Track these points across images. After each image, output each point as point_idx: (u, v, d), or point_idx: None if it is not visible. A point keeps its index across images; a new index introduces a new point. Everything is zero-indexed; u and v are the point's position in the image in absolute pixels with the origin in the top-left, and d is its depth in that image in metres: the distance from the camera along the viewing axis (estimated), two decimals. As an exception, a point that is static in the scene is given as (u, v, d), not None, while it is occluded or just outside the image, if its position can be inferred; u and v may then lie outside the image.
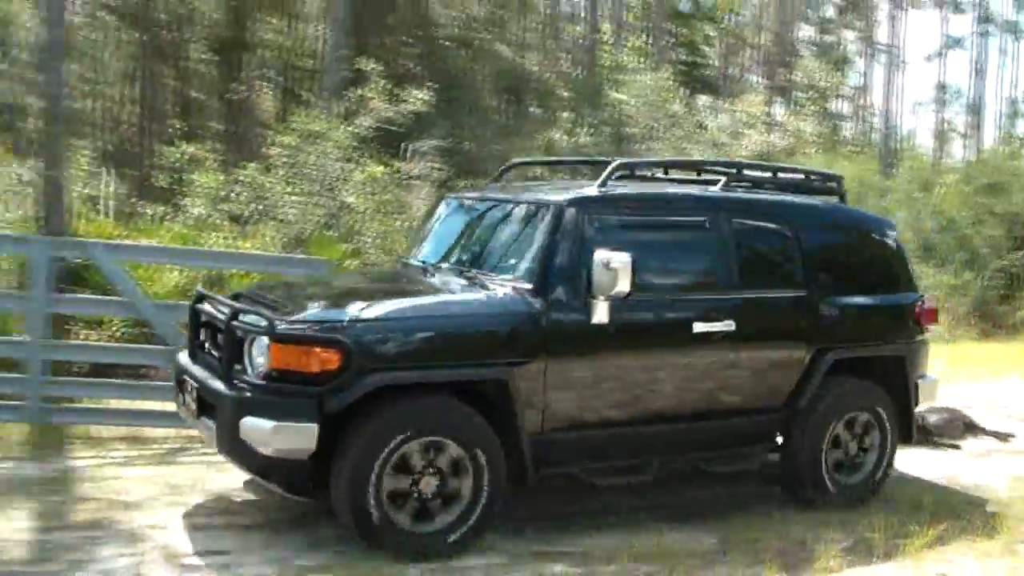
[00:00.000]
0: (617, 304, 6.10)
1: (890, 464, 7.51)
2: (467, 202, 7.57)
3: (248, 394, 5.67)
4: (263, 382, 5.64)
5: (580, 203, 6.41)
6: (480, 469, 5.86)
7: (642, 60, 22.66)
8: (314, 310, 6.14)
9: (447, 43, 23.71)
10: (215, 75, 25.64)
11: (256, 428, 5.51)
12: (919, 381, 7.73)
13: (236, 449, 5.72)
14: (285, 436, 5.50)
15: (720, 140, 19.56)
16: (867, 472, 7.41)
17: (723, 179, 7.37)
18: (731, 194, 7.28)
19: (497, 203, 7.12)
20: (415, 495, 5.75)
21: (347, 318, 5.73)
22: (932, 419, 9.68)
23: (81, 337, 11.46)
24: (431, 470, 5.78)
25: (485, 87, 22.91)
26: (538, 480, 6.19)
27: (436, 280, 6.79)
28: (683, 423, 6.73)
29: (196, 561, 5.71)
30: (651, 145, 17.81)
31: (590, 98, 21.84)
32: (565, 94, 24.57)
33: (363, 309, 5.85)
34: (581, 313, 6.11)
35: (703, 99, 23.05)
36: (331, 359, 5.53)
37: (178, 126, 22.80)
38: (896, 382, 7.59)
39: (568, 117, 19.37)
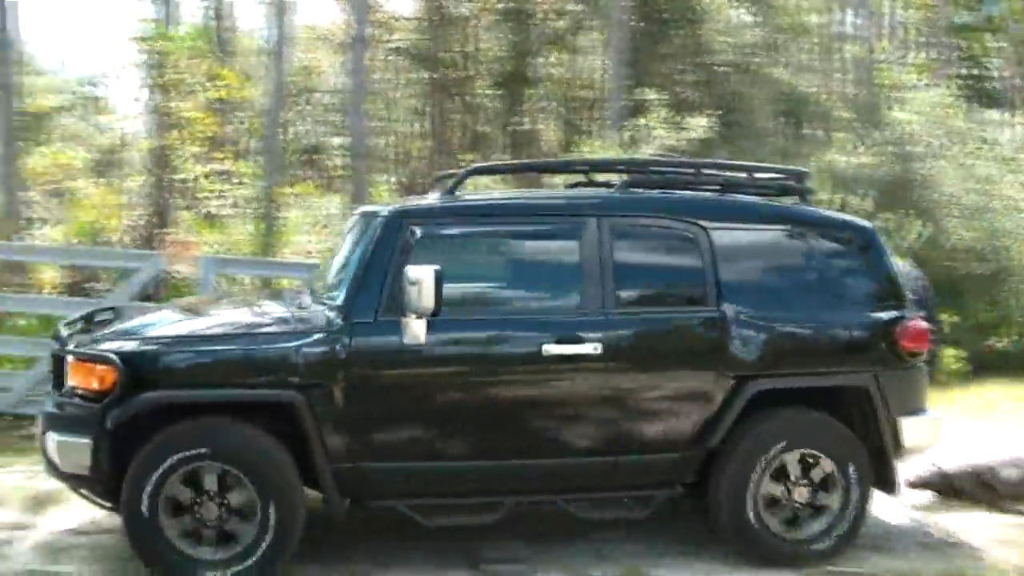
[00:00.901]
0: (440, 323, 5.55)
1: (859, 517, 6.21)
2: (357, 216, 7.02)
3: (52, 410, 5.85)
4: (64, 399, 5.76)
5: (403, 214, 5.99)
6: (265, 499, 5.55)
7: (922, 76, 21.88)
8: (116, 328, 6.08)
9: (724, 69, 23.73)
10: (500, 108, 26.60)
11: (48, 442, 5.69)
12: (902, 419, 6.29)
13: (48, 463, 5.86)
14: (64, 450, 5.58)
15: (1009, 155, 18.62)
16: (823, 525, 6.19)
17: (623, 180, 6.58)
18: (612, 195, 6.47)
19: (367, 216, 6.58)
20: (197, 518, 5.60)
21: (128, 337, 5.79)
22: (1005, 473, 7.60)
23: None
24: (213, 497, 5.59)
25: (763, 110, 22.76)
26: (354, 513, 5.94)
27: (272, 301, 6.71)
28: (538, 459, 5.94)
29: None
30: (934, 163, 17.20)
31: (870, 117, 21.31)
32: (844, 114, 24.06)
33: (152, 327, 6.01)
34: (394, 333, 5.57)
35: (989, 113, 21.93)
36: (106, 377, 5.46)
37: (467, 159, 23.84)
38: (863, 419, 6.29)
39: (847, 137, 18.97)
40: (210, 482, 5.58)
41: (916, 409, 6.45)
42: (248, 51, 34.70)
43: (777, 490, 6.14)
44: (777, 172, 7.25)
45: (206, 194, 14.19)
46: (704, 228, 6.12)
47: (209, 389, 5.58)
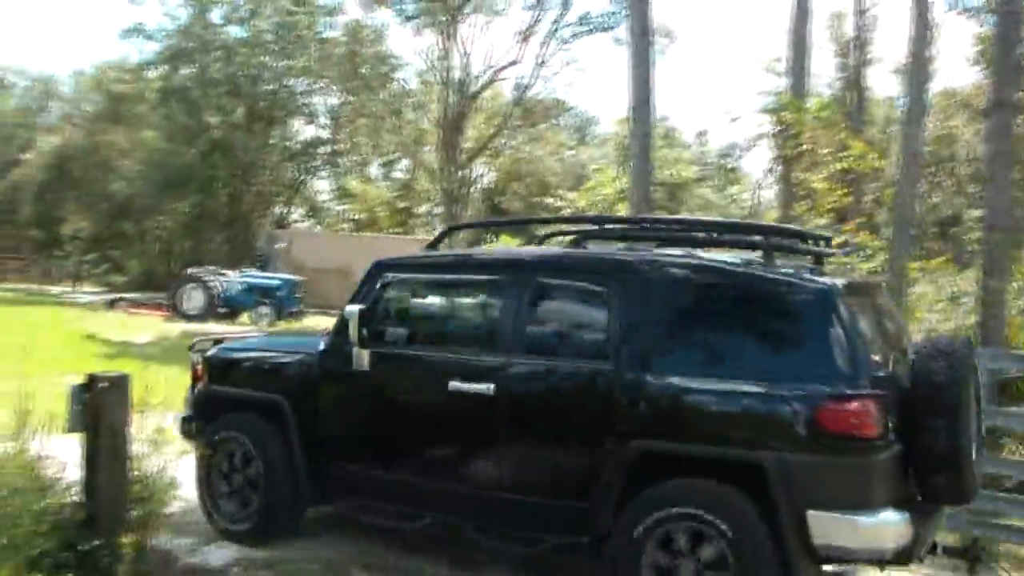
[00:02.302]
0: (387, 354, 6.66)
1: None
2: None
3: (187, 397, 7.83)
4: (191, 391, 7.80)
5: (377, 265, 7.09)
6: (261, 476, 6.98)
7: None
8: (226, 343, 8.02)
9: None
10: None
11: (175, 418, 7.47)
12: (813, 511, 5.29)
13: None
14: (176, 421, 7.40)
15: None
16: None
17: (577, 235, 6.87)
18: (533, 252, 7.13)
19: None
20: (231, 483, 7.20)
21: (220, 349, 7.74)
22: None
23: (1016, 453, 11.00)
24: (240, 468, 7.15)
25: None
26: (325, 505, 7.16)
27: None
28: (451, 483, 6.40)
29: None
30: None
31: None
32: None
33: (237, 344, 8.01)
34: (350, 359, 6.68)
35: None
36: (198, 375, 7.66)
37: None
38: (767, 501, 5.39)
39: None
40: (238, 457, 7.17)
41: (842, 504, 5.33)
42: (882, 120, 34.07)
43: (666, 561, 5.61)
44: (721, 227, 7.29)
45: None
46: (612, 284, 6.09)
47: (233, 388, 7.44)
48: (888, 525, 5.40)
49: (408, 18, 31.43)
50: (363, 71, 38.71)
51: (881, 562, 5.57)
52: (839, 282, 5.84)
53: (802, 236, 6.89)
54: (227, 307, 28.24)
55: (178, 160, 43.62)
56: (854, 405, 5.36)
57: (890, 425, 5.45)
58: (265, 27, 45.15)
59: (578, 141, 57.94)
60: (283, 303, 28.45)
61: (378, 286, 6.96)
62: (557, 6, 28.98)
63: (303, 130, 50.25)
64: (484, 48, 50.99)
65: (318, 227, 52.90)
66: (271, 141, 47.05)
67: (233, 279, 29.30)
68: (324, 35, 44.39)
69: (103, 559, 5.77)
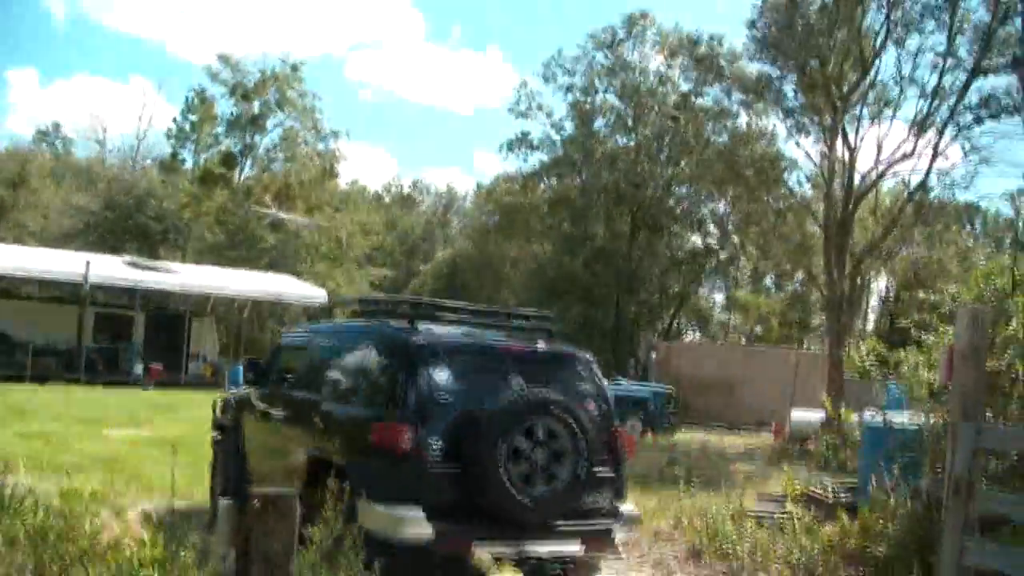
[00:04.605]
0: (259, 392, 10.05)
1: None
2: None
3: None
4: None
5: (283, 333, 12.18)
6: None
7: None
8: None
9: None
10: None
11: None
12: (361, 500, 7.09)
13: None
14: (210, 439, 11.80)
15: None
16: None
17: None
18: (332, 324, 12.27)
19: None
20: None
21: (222, 398, 11.96)
22: None
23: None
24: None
25: None
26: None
27: None
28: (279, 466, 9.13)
29: None
30: None
31: None
32: None
33: (229, 394, 12.86)
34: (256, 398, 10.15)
35: None
36: (215, 410, 11.51)
37: None
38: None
39: None
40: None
41: (374, 497, 7.18)
42: None
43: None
44: (400, 303, 9.45)
45: None
46: (333, 341, 9.34)
47: (221, 416, 11.34)
48: (401, 519, 7.10)
49: (788, 112, 29.19)
50: (747, 174, 36.97)
51: (416, 551, 7.08)
52: (424, 341, 7.81)
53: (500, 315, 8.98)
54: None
55: (562, 269, 43.83)
56: (381, 426, 7.43)
57: (432, 446, 7.24)
58: (649, 133, 44.76)
59: (992, 246, 52.66)
60: (654, 415, 26.62)
61: (276, 348, 10.89)
62: (955, 90, 25.66)
63: (690, 238, 49.14)
64: (872, 141, 47.18)
65: (702, 338, 51.32)
66: (655, 250, 46.27)
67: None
68: (711, 140, 43.12)
69: None
